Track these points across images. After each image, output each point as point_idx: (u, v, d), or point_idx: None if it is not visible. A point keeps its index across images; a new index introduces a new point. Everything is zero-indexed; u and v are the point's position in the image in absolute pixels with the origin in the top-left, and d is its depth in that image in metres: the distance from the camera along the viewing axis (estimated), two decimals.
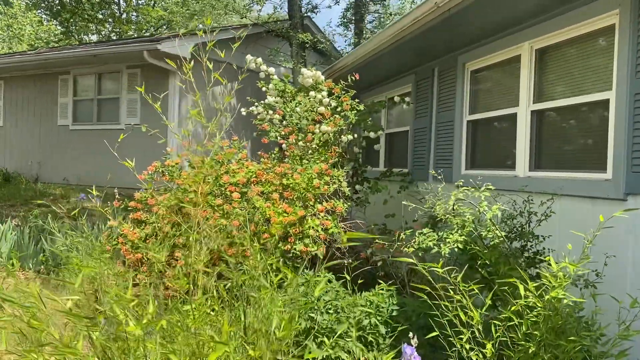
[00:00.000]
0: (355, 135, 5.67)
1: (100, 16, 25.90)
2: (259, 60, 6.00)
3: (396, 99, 6.21)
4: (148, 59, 10.50)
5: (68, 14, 24.85)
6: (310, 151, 5.44)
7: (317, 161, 5.28)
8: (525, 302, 2.33)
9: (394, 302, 3.39)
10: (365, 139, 6.21)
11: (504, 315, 2.40)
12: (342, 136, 5.63)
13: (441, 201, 3.30)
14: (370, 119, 5.84)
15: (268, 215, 4.72)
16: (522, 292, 2.41)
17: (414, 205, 3.70)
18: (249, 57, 6.07)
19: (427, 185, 6.29)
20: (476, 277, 3.09)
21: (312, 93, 5.48)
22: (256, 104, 6.73)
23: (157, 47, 10.22)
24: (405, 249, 3.15)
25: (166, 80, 11.33)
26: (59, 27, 27.06)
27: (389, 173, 6.86)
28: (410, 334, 2.49)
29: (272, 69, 5.77)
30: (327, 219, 4.80)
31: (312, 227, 4.69)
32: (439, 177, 4.40)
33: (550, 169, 4.47)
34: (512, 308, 2.35)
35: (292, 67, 12.22)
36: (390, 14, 15.72)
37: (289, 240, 4.68)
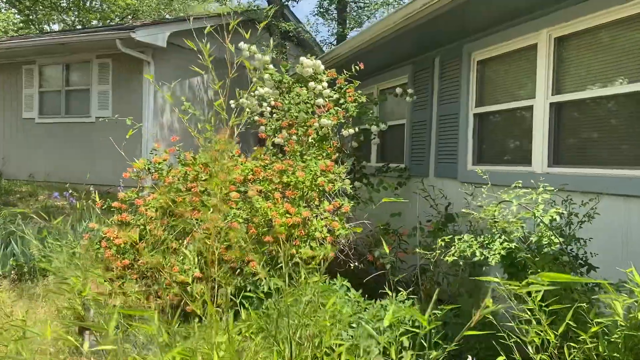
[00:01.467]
0: (357, 129, 5.33)
1: (64, 4, 24.81)
2: (253, 48, 5.58)
3: (398, 90, 5.89)
4: (121, 48, 9.91)
5: (28, 1, 23.70)
6: (306, 146, 5.07)
7: (318, 157, 4.92)
8: (607, 320, 2.04)
9: (436, 316, 3.06)
10: (364, 133, 5.88)
11: (581, 337, 2.10)
12: (343, 130, 5.28)
13: (492, 203, 2.97)
14: (372, 111, 5.51)
15: (270, 217, 4.34)
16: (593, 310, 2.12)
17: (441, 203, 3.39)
18: (242, 44, 5.65)
19: (426, 181, 6.00)
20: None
21: (311, 84, 5.10)
22: (246, 95, 6.30)
23: (132, 35, 9.65)
24: (447, 258, 2.82)
25: (140, 71, 10.74)
26: (18, 16, 25.80)
27: (386, 169, 6.55)
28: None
29: (267, 57, 5.38)
30: (334, 220, 4.45)
31: (318, 229, 4.33)
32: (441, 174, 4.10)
33: (573, 164, 4.21)
34: (593, 329, 2.05)
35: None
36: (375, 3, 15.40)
37: (294, 243, 4.32)
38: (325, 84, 5.14)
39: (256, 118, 5.78)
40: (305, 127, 4.96)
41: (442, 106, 5.95)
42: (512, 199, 2.93)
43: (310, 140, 5.22)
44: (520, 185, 3.33)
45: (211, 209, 4.53)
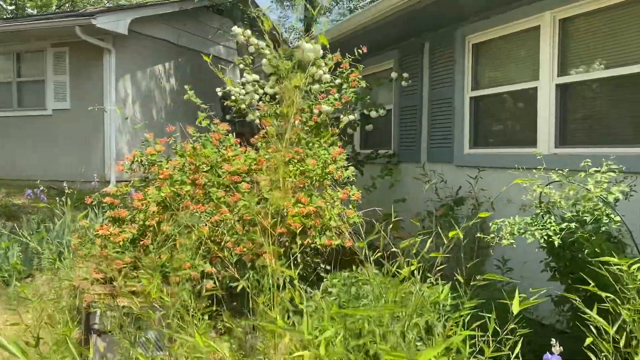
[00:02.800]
0: (356, 115, 5.23)
1: None
2: (248, 32, 5.36)
3: (393, 75, 5.82)
4: (81, 35, 9.38)
5: None
6: (309, 133, 4.94)
7: (323, 144, 4.80)
8: None
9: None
10: (362, 119, 5.79)
11: None
12: (342, 116, 5.17)
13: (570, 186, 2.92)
14: (368, 97, 5.43)
15: (283, 207, 4.20)
16: None
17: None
18: (235, 28, 5.42)
19: (418, 166, 5.99)
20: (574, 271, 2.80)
21: (312, 69, 4.95)
22: (233, 83, 6.08)
23: (92, 22, 9.15)
24: (503, 241, 2.78)
25: (100, 60, 10.23)
26: None
27: (375, 155, 6.49)
28: (553, 341, 2.14)
29: (262, 43, 5.18)
30: (347, 208, 4.36)
31: (334, 218, 4.23)
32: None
33: (582, 144, 4.27)
34: None
35: (236, 47, 11.48)
36: None
37: (309, 233, 4.19)
38: (325, 69, 5.01)
39: (255, 103, 5.58)
40: (310, 114, 4.82)
41: (434, 91, 5.93)
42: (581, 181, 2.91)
43: (307, 127, 5.09)
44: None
45: (217, 202, 4.35)
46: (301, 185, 4.43)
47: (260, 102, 5.45)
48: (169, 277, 4.06)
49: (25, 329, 4.50)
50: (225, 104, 6.39)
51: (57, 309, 4.92)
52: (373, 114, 5.36)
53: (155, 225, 4.47)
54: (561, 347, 2.11)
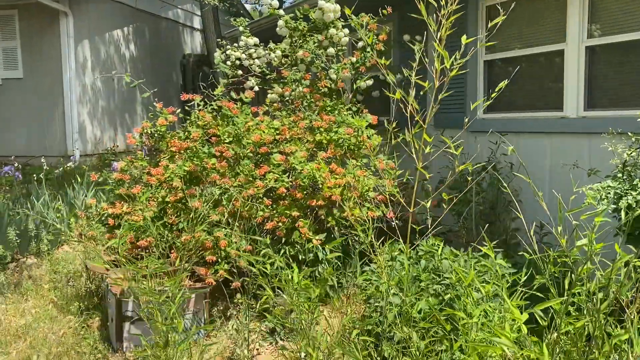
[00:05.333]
0: (372, 81, 5.01)
1: None
2: None
3: (405, 37, 5.60)
4: None
5: None
6: (328, 100, 4.70)
7: (346, 112, 4.57)
8: None
9: None
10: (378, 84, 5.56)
11: None
12: (359, 81, 4.94)
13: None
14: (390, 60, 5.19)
15: (318, 179, 3.97)
16: None
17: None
18: None
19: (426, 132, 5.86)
20: None
21: (332, 31, 4.66)
22: (230, 47, 5.69)
23: None
24: (600, 206, 2.70)
25: (55, 24, 9.43)
26: None
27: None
28: None
29: (275, 2, 4.81)
30: (384, 178, 4.19)
31: (371, 189, 4.05)
32: None
33: (613, 107, 4.26)
34: None
35: (201, 13, 10.87)
36: None
37: (347, 205, 4.00)
38: (347, 31, 4.74)
39: (255, 69, 5.24)
40: (336, 80, 4.57)
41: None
42: None
43: (320, 94, 4.84)
44: None
45: (246, 175, 4.07)
46: (331, 155, 4.21)
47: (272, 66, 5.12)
48: (204, 256, 3.79)
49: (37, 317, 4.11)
50: (217, 69, 5.99)
51: (65, 295, 4.53)
52: (390, 78, 5.14)
53: (177, 201, 4.15)
54: None
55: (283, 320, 3.82)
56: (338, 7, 4.57)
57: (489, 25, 5.31)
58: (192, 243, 3.62)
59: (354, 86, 5.02)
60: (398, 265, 3.31)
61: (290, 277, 2.82)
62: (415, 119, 2.74)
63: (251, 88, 5.76)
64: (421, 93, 3.04)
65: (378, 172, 4.31)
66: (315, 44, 4.74)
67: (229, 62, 5.89)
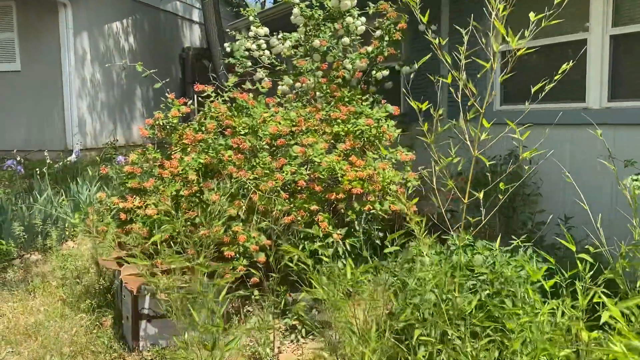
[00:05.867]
0: (387, 72, 4.89)
1: None
2: None
3: (420, 27, 5.46)
4: None
5: None
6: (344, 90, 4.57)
7: (357, 102, 4.44)
8: None
9: None
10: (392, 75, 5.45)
11: None
12: (377, 72, 4.81)
13: None
14: (400, 51, 5.08)
15: (338, 171, 3.85)
16: None
17: None
18: None
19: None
20: None
21: (349, 19, 4.53)
22: (240, 37, 5.54)
23: None
24: None
25: (54, 15, 9.21)
26: None
27: None
28: None
29: None
30: (405, 171, 4.07)
31: (394, 182, 3.93)
32: None
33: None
34: None
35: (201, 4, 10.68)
36: None
37: (368, 198, 3.88)
38: (363, 19, 4.61)
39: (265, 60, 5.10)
40: (353, 70, 4.44)
41: (455, 45, 5.66)
42: None
43: (334, 84, 4.71)
44: None
45: (263, 167, 3.95)
46: (350, 147, 4.09)
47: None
48: (222, 251, 3.67)
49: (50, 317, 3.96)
50: (227, 61, 5.84)
51: (74, 292, 4.40)
52: (405, 69, 5.04)
53: (191, 195, 4.02)
54: None
55: (306, 318, 3.72)
56: None
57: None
58: (211, 238, 3.49)
59: (370, 76, 4.89)
60: (429, 260, 3.19)
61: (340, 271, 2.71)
62: (469, 103, 2.61)
63: (260, 80, 5.62)
64: (478, 76, 2.91)
65: (397, 164, 4.20)
66: (331, 33, 4.60)
67: (238, 54, 5.74)
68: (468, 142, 4.70)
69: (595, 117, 4.46)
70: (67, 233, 5.89)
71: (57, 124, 9.44)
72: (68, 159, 8.89)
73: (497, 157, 4.97)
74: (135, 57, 11.27)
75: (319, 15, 4.49)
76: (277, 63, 5.63)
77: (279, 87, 5.25)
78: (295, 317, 3.76)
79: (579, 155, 4.57)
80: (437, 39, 5.31)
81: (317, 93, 4.81)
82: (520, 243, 3.32)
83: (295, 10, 4.55)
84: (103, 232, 4.23)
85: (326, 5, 4.55)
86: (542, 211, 4.52)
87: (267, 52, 5.24)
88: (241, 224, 3.74)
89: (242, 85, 4.99)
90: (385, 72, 4.82)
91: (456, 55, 2.97)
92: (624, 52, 4.29)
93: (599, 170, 4.19)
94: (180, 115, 4.35)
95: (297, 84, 5.13)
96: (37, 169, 6.71)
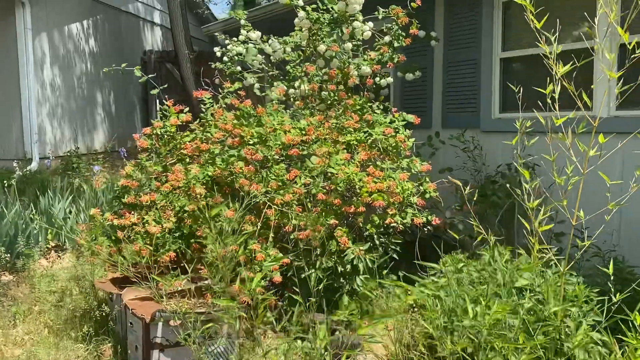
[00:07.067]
0: (391, 79, 4.73)
1: None
2: None
3: (421, 33, 5.31)
4: None
5: None
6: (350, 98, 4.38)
7: (367, 110, 4.27)
8: None
9: None
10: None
11: None
12: (382, 79, 4.65)
13: None
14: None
15: (357, 183, 3.65)
16: None
17: None
18: None
19: (429, 132, 5.66)
20: None
21: (356, 23, 4.34)
22: (230, 41, 5.27)
23: None
24: None
25: (10, 15, 8.62)
26: None
27: None
28: None
29: None
30: (422, 182, 3.91)
31: (413, 193, 3.77)
32: None
33: None
34: None
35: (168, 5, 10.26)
36: None
37: (389, 211, 3.69)
38: (371, 24, 4.44)
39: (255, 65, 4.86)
40: (364, 77, 4.26)
41: (451, 52, 5.59)
42: None
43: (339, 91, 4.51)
44: None
45: (276, 179, 3.71)
46: (366, 158, 3.90)
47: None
48: (239, 272, 3.39)
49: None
50: (214, 66, 5.55)
51: (61, 318, 4.00)
52: (409, 76, 4.89)
53: (195, 210, 3.73)
54: None
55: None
56: None
57: (504, 22, 5.18)
58: (228, 257, 3.22)
59: (374, 83, 4.73)
60: (464, 277, 3.04)
61: None
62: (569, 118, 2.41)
63: (251, 85, 5.38)
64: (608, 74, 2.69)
65: (412, 175, 4.05)
66: (335, 38, 4.41)
67: (225, 58, 5.47)
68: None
69: (602, 126, 4.47)
70: (40, 251, 5.43)
71: (14, 131, 8.82)
72: (28, 168, 8.31)
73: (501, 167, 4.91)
74: (96, 60, 10.72)
75: (324, 19, 4.29)
76: (268, 68, 5.40)
77: (271, 94, 5.01)
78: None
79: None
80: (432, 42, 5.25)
81: (318, 100, 4.61)
82: (553, 256, 3.23)
83: (302, 14, 4.32)
84: (97, 251, 3.85)
85: (331, 9, 4.35)
86: (562, 222, 4.43)
87: (259, 57, 4.99)
88: (256, 241, 3.49)
89: (239, 92, 4.72)
90: (390, 80, 4.66)
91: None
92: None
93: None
94: (181, 123, 4.04)
95: (291, 91, 4.91)
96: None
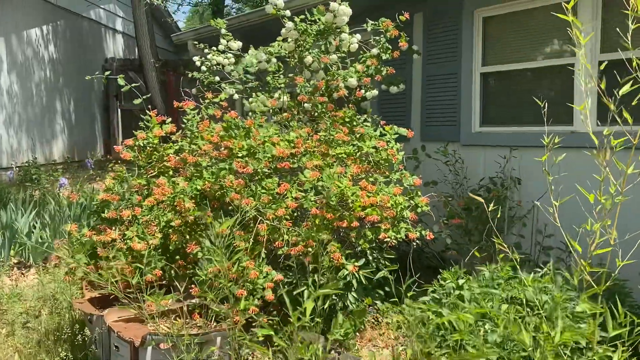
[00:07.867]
0: (376, 91, 4.68)
1: None
2: None
3: (415, 48, 5.27)
4: None
5: None
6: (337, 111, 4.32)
7: (357, 122, 4.21)
8: None
9: None
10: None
11: None
12: (367, 91, 4.60)
13: None
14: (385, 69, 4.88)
15: (350, 197, 3.57)
16: None
17: None
18: None
19: (408, 146, 5.65)
20: None
21: (344, 35, 4.28)
22: (209, 51, 5.13)
23: None
24: None
25: None
26: None
27: None
28: None
29: (280, 2, 4.31)
30: (414, 195, 3.87)
31: (406, 208, 3.72)
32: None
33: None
34: None
35: (133, 13, 9.99)
36: None
37: (383, 225, 3.62)
38: (359, 37, 4.39)
39: (236, 75, 4.74)
40: (352, 89, 4.19)
41: (430, 66, 5.61)
42: None
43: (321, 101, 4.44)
44: None
45: (267, 193, 3.59)
46: (359, 171, 3.83)
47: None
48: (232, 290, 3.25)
49: None
50: (190, 75, 5.39)
51: (34, 341, 3.74)
52: (393, 89, 4.86)
53: (184, 225, 3.58)
54: None
55: None
56: (350, 10, 4.22)
57: (483, 38, 5.24)
58: (222, 275, 3.08)
59: (361, 95, 4.67)
60: (468, 294, 2.99)
61: None
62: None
63: (231, 96, 5.24)
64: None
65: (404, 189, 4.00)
66: (321, 49, 4.34)
67: (203, 68, 5.33)
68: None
69: (584, 141, 4.55)
70: (2, 268, 5.11)
71: None
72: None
73: (484, 180, 4.93)
74: (55, 67, 10.32)
75: (312, 30, 4.22)
76: (247, 78, 5.28)
77: (250, 105, 4.90)
78: None
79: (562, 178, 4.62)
80: (415, 55, 5.25)
81: (302, 112, 4.53)
82: (549, 269, 3.23)
83: (290, 24, 4.23)
84: (72, 270, 3.62)
85: (318, 20, 4.27)
86: (550, 235, 4.45)
87: (239, 67, 4.87)
88: (249, 257, 3.35)
89: (221, 102, 4.59)
90: (375, 92, 4.62)
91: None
92: (611, 77, 4.39)
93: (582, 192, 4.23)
94: (165, 134, 3.88)
95: (269, 103, 4.81)
96: None
